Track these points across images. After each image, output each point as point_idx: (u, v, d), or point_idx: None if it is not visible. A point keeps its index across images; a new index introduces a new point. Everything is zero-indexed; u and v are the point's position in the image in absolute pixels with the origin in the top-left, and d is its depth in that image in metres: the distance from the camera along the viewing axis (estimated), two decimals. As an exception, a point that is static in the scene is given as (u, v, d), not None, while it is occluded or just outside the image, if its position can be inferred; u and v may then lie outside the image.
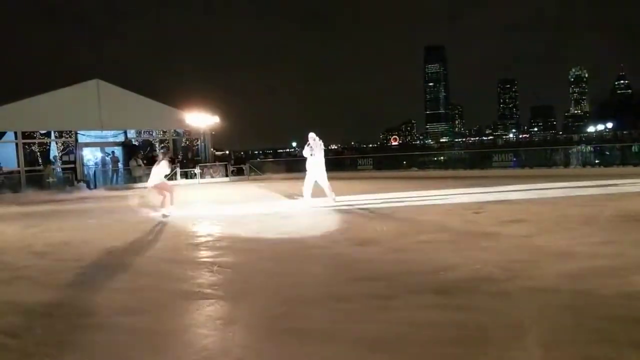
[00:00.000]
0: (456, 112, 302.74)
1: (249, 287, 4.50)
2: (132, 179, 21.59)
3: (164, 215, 9.63)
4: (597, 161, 18.38)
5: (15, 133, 21.34)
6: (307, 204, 10.38)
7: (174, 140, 26.16)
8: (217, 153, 30.72)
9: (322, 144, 10.64)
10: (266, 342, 3.19)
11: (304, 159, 10.86)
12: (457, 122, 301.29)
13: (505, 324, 3.23)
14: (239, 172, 24.89)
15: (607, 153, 19.27)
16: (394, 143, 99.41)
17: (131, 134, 24.87)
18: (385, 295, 4.00)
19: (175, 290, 4.50)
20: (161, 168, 9.91)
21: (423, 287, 4.15)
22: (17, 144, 21.41)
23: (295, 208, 10.33)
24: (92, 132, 23.34)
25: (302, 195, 10.74)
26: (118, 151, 23.92)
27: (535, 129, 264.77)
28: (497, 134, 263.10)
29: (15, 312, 4.03)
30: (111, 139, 24.18)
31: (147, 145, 25.51)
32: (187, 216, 9.98)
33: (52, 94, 21.88)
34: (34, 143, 22.33)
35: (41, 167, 21.51)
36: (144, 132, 25.42)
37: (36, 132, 22.15)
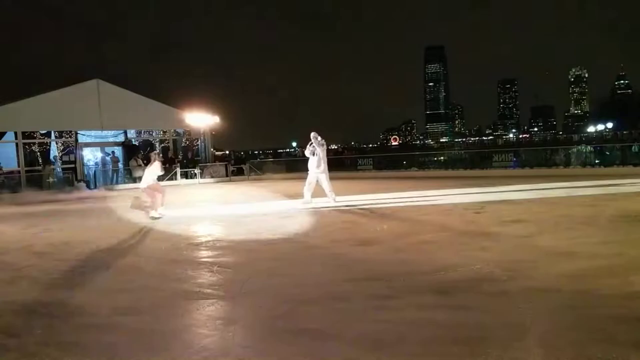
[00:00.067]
0: (456, 112, 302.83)
1: (249, 287, 4.50)
2: (132, 179, 21.58)
3: (154, 218, 9.53)
4: (597, 161, 18.35)
5: (15, 133, 21.29)
6: (307, 204, 10.38)
7: (174, 140, 26.13)
8: (217, 153, 30.71)
9: (324, 142, 10.64)
10: (266, 342, 3.19)
11: (304, 159, 10.86)
12: (457, 122, 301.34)
13: (505, 323, 3.23)
14: (239, 172, 24.87)
15: (607, 153, 19.24)
16: (394, 143, 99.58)
17: (131, 134, 24.84)
18: (385, 295, 4.00)
19: (175, 290, 4.51)
20: (153, 169, 9.82)
21: (423, 287, 4.16)
22: (17, 144, 21.36)
23: (295, 208, 10.33)
24: (92, 132, 23.32)
25: (302, 196, 10.75)
26: (118, 151, 23.90)
27: (535, 129, 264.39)
28: (497, 134, 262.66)
29: (15, 312, 4.03)
30: (111, 139, 24.15)
31: (147, 145, 25.48)
32: (187, 216, 9.98)
33: (52, 94, 21.83)
34: (34, 143, 22.29)
35: (41, 167, 21.50)
36: (144, 132, 25.40)
37: (36, 132, 22.10)
